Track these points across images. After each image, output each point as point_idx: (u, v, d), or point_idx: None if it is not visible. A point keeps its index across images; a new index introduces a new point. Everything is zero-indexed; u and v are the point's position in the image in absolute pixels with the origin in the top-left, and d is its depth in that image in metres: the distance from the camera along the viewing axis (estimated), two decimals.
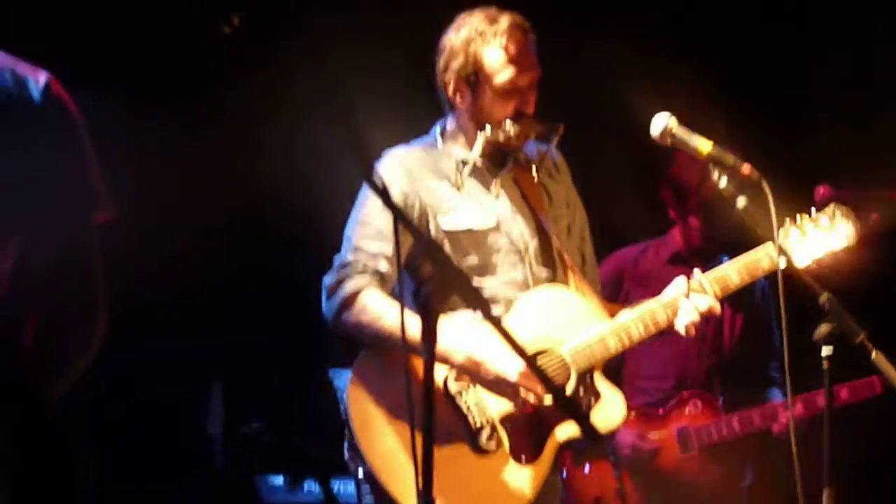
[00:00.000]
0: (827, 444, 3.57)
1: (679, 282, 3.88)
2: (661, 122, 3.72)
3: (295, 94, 5.42)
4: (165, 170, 5.48)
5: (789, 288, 3.57)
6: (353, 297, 3.77)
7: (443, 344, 3.57)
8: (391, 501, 3.67)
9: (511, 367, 3.63)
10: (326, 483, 5.84)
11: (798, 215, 3.93)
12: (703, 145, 3.70)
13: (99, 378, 2.97)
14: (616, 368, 5.01)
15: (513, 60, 3.78)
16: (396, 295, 3.75)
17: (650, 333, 3.87)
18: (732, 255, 5.05)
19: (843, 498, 3.54)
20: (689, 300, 3.83)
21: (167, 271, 5.51)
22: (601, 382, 3.83)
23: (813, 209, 3.94)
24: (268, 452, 5.91)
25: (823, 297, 3.60)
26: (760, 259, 3.90)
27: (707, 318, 3.85)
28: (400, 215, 2.92)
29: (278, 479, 5.96)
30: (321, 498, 5.89)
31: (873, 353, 3.57)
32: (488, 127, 3.83)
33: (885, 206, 4.69)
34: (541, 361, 3.74)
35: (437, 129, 3.97)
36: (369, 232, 3.82)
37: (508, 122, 3.81)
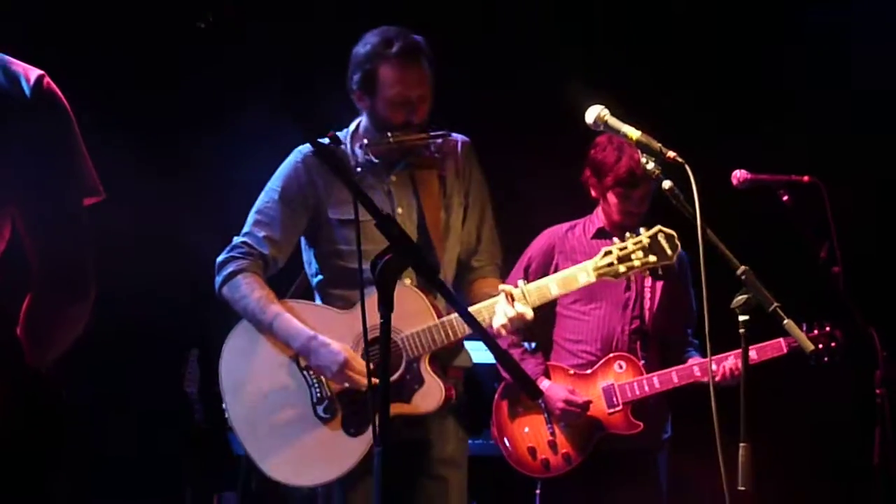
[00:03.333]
0: (743, 401, 3.42)
1: (502, 291, 3.84)
2: (594, 112, 3.62)
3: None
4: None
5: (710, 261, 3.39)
6: (232, 276, 3.95)
7: (285, 329, 3.86)
8: (246, 454, 3.95)
9: (333, 360, 3.79)
10: None
11: (627, 234, 3.90)
12: (632, 132, 3.58)
13: (93, 345, 2.86)
14: (548, 333, 4.87)
15: (402, 78, 3.86)
16: (308, 276, 4.05)
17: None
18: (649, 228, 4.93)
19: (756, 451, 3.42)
20: (503, 306, 3.80)
21: (155, 258, 5.65)
22: (426, 371, 3.88)
23: (641, 229, 3.90)
24: None
25: (741, 270, 3.47)
26: (577, 275, 3.89)
27: (518, 322, 3.80)
28: (359, 194, 2.84)
29: None
30: None
31: (785, 320, 3.46)
32: (366, 140, 3.95)
33: (796, 190, 4.51)
34: (375, 347, 3.70)
35: (351, 127, 4.06)
36: (261, 219, 3.96)
37: (389, 133, 3.89)
